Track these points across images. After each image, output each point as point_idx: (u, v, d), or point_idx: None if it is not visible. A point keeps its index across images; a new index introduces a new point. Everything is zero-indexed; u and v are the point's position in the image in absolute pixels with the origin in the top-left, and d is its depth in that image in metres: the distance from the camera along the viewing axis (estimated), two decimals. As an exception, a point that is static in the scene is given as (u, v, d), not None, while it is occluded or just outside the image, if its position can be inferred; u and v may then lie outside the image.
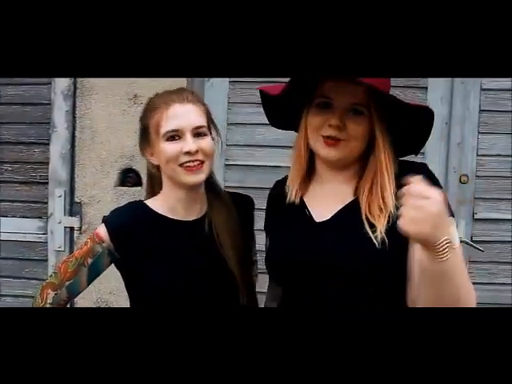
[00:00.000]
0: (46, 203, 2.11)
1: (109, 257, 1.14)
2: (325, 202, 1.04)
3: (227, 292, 1.14)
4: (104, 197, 2.03)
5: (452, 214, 0.96)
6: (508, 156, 1.91)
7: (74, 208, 2.08)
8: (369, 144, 0.99)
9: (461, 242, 1.90)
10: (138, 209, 1.18)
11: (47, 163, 2.10)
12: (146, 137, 1.15)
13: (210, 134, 1.14)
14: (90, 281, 1.16)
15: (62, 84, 2.06)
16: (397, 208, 0.88)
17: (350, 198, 1.02)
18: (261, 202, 1.99)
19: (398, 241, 0.89)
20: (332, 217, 1.02)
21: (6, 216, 2.14)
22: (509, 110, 1.90)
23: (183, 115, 1.09)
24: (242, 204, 1.22)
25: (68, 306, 1.22)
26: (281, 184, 1.17)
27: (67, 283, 1.14)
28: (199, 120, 1.10)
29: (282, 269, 1.06)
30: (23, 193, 2.14)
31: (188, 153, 1.07)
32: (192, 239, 1.14)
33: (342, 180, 1.03)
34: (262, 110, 1.98)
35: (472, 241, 1.91)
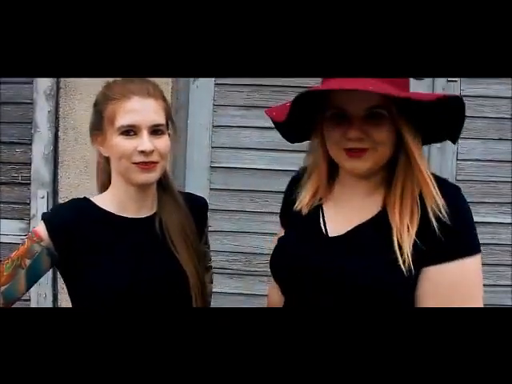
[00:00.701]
0: (29, 204, 2.09)
1: (48, 257, 1.05)
2: (345, 213, 0.94)
3: (178, 292, 1.08)
4: (88, 198, 2.02)
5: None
6: (486, 161, 1.97)
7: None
8: (397, 147, 0.89)
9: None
10: (81, 205, 1.11)
11: (29, 164, 2.08)
12: (98, 125, 1.08)
13: (168, 131, 1.08)
14: (29, 285, 1.07)
15: (44, 84, 2.04)
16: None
17: (375, 210, 0.91)
18: (246, 205, 2.03)
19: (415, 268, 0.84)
20: (348, 232, 0.92)
21: (-12, 217, 2.13)
22: (487, 116, 1.95)
23: (142, 110, 1.02)
24: (194, 205, 1.17)
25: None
26: (295, 182, 1.08)
27: (2, 288, 1.03)
28: (158, 117, 1.04)
29: (280, 276, 1.01)
30: (4, 194, 2.12)
31: (143, 152, 1.01)
32: (141, 237, 1.09)
33: (367, 190, 0.93)
34: (247, 112, 2.03)
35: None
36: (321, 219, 0.97)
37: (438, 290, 0.85)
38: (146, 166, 1.02)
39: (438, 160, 1.96)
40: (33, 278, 1.07)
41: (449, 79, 1.94)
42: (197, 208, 1.18)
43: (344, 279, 0.88)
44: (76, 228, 1.06)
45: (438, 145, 1.95)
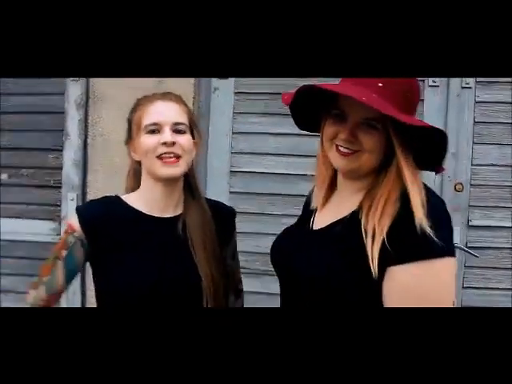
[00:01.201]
0: (60, 206, 2.22)
1: (82, 248, 1.12)
2: (331, 210, 1.04)
3: (194, 294, 1.12)
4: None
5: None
6: (501, 166, 1.98)
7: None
8: (387, 158, 0.95)
9: (456, 248, 2.00)
10: (111, 201, 1.18)
11: (61, 169, 2.21)
12: (129, 133, 1.18)
13: (192, 134, 1.15)
14: (67, 276, 1.13)
15: (74, 94, 2.17)
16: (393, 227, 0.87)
17: (352, 209, 0.97)
18: (264, 208, 2.10)
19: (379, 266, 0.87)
20: (326, 226, 1.00)
21: (23, 218, 2.26)
22: (502, 122, 1.97)
23: (164, 111, 1.12)
24: (222, 213, 1.22)
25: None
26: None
27: (44, 279, 1.12)
28: (179, 117, 1.13)
29: (273, 266, 1.10)
30: (38, 196, 2.25)
31: (165, 143, 1.08)
32: (165, 236, 1.14)
33: (352, 190, 1.00)
34: (265, 119, 2.10)
35: (467, 247, 1.99)
36: (312, 215, 1.07)
37: (403, 290, 0.86)
38: (170, 158, 1.09)
39: (452, 165, 1.99)
40: (70, 269, 1.12)
41: (463, 86, 1.97)
42: (222, 216, 1.22)
43: (303, 269, 0.96)
44: (104, 222, 1.12)
45: (453, 149, 1.98)
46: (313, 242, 1.01)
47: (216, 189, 2.11)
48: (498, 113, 1.97)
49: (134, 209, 1.16)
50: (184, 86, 2.06)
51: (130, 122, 1.18)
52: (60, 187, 2.22)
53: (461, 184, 2.00)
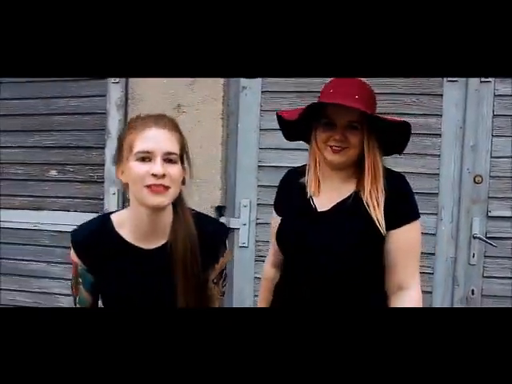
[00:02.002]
0: (102, 199, 2.40)
1: (89, 273, 1.21)
2: (326, 195, 1.30)
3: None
4: (151, 194, 2.30)
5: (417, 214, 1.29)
6: (520, 158, 2.02)
7: (126, 204, 2.36)
8: (364, 150, 1.26)
9: (475, 238, 2.10)
10: (100, 227, 1.20)
11: (103, 165, 2.39)
12: (119, 153, 1.16)
13: (182, 163, 1.15)
14: (92, 296, 1.24)
15: (115, 95, 2.35)
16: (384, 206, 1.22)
17: (350, 191, 1.27)
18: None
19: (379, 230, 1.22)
20: (331, 208, 1.27)
21: (69, 211, 2.46)
22: (521, 115, 2.01)
23: (157, 139, 1.09)
24: (209, 233, 1.20)
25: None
26: (293, 173, 1.42)
27: (77, 299, 1.25)
28: (172, 146, 1.11)
29: (285, 247, 1.32)
30: (83, 191, 2.45)
31: (154, 175, 1.07)
32: (148, 266, 1.17)
33: (341, 178, 1.29)
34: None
35: (486, 237, 2.05)
36: (310, 200, 1.32)
37: (405, 245, 1.24)
38: (157, 188, 1.07)
39: (471, 157, 2.05)
40: (91, 290, 1.24)
41: (482, 80, 2.02)
42: (210, 235, 1.20)
43: (331, 243, 1.24)
44: (92, 249, 1.19)
45: (472, 143, 2.04)
46: (326, 219, 1.27)
47: (245, 182, 2.25)
48: (517, 106, 2.01)
49: (120, 238, 1.18)
50: (214, 85, 2.21)
51: (120, 142, 1.16)
52: (102, 182, 2.40)
53: (480, 176, 2.05)
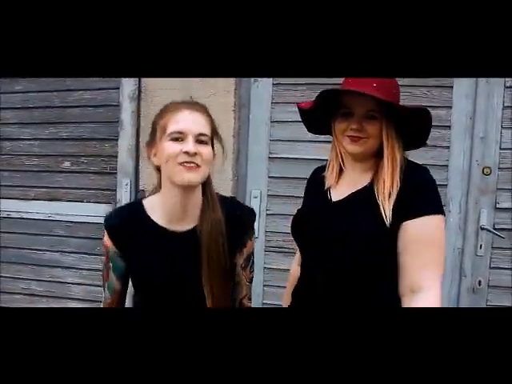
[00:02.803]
0: (115, 190, 2.45)
1: (119, 257, 1.25)
2: (344, 186, 1.29)
3: (196, 304, 1.20)
4: (164, 185, 2.34)
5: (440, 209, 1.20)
6: (529, 149, 2.03)
7: (138, 195, 2.40)
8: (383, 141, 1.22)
9: (483, 229, 2.11)
10: (133, 211, 1.26)
11: (116, 156, 2.43)
12: (153, 137, 1.22)
13: (212, 145, 1.20)
14: (121, 281, 1.28)
15: (128, 88, 2.39)
16: (397, 196, 1.16)
17: (365, 183, 1.25)
18: (300, 191, 2.23)
19: (394, 224, 1.16)
20: (345, 197, 1.27)
21: (83, 201, 2.51)
22: (531, 107, 2.02)
23: (189, 120, 1.16)
24: (237, 217, 1.25)
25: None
26: (318, 170, 1.43)
27: (106, 284, 1.30)
28: (203, 128, 1.17)
29: (298, 238, 1.33)
30: (96, 182, 2.49)
31: (187, 153, 1.12)
32: (179, 250, 1.21)
33: (360, 169, 1.27)
34: (301, 109, 2.23)
35: (494, 229, 2.07)
36: (327, 191, 1.32)
37: (416, 237, 1.15)
38: (189, 166, 1.13)
39: (480, 149, 2.06)
40: (120, 275, 1.28)
41: (492, 73, 2.04)
42: (238, 219, 1.25)
43: (338, 230, 1.21)
44: (128, 232, 1.24)
45: (481, 134, 2.06)
46: (339, 209, 1.25)
47: (256, 173, 2.28)
48: (527, 98, 2.02)
49: (152, 221, 1.23)
50: (226, 78, 2.23)
51: (154, 125, 1.22)
52: (115, 173, 2.44)
53: (489, 168, 2.06)
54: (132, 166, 2.41)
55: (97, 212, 2.47)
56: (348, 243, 1.19)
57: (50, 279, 2.60)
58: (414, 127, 1.21)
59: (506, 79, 2.05)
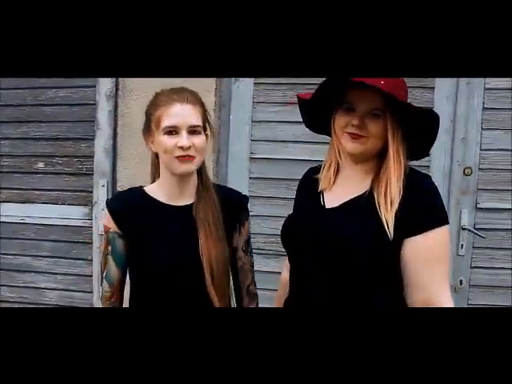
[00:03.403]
0: (91, 192, 2.37)
1: (121, 239, 1.28)
2: (340, 191, 1.20)
3: (196, 274, 1.22)
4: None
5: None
6: (508, 150, 2.05)
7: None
8: (386, 144, 1.13)
9: (464, 229, 2.11)
10: (134, 193, 1.33)
11: (92, 157, 2.36)
12: (148, 127, 1.28)
13: (205, 132, 1.27)
14: (119, 268, 1.29)
15: (105, 86, 2.31)
16: (400, 205, 1.08)
17: (363, 190, 1.15)
18: (281, 192, 2.22)
19: (396, 235, 1.08)
20: (341, 204, 1.17)
21: (57, 203, 2.42)
22: (510, 108, 2.04)
23: (181, 114, 1.22)
24: (232, 201, 1.33)
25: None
26: (310, 170, 1.35)
27: (104, 274, 1.31)
28: (195, 120, 1.23)
29: (286, 241, 1.25)
30: (71, 183, 2.41)
31: (181, 147, 1.20)
32: (180, 222, 1.27)
33: (359, 173, 1.18)
34: (283, 108, 2.22)
35: (475, 228, 2.09)
36: (320, 196, 1.23)
37: (427, 254, 1.08)
38: (185, 158, 1.21)
39: (461, 150, 2.08)
40: (119, 260, 1.29)
41: (472, 74, 2.05)
42: (232, 203, 1.32)
43: (335, 241, 1.12)
44: (129, 212, 1.28)
45: (462, 135, 2.07)
46: (333, 217, 1.17)
47: (237, 174, 2.24)
48: (506, 99, 2.04)
49: (154, 199, 1.30)
50: (207, 78, 2.19)
51: (148, 116, 1.27)
52: (92, 174, 2.36)
53: (470, 168, 2.08)
54: (109, 167, 2.34)
55: (72, 214, 2.40)
56: (343, 255, 1.11)
57: (23, 284, 2.50)
58: (421, 131, 1.12)
59: (486, 80, 2.07)
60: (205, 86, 2.20)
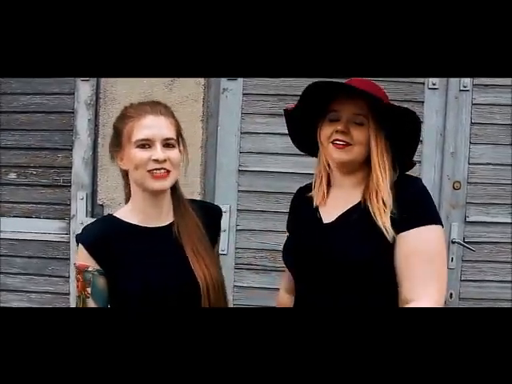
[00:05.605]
0: (69, 205, 2.24)
1: (101, 275, 1.16)
2: (334, 204, 1.22)
3: (193, 295, 1.17)
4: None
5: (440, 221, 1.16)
6: (497, 164, 2.09)
7: (95, 210, 2.22)
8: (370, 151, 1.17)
9: (454, 242, 2.12)
10: (107, 222, 1.24)
11: (70, 168, 2.24)
12: (118, 142, 1.19)
13: (178, 146, 1.20)
14: (103, 305, 1.18)
15: (84, 94, 2.20)
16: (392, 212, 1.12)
17: (356, 200, 1.18)
18: (271, 206, 2.17)
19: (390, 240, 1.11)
20: (337, 218, 1.19)
21: (32, 217, 2.28)
22: (498, 123, 2.08)
23: (155, 126, 1.15)
24: (209, 214, 1.28)
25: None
26: (302, 189, 1.35)
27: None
28: (169, 132, 1.17)
29: (293, 265, 1.25)
30: (47, 195, 2.27)
31: (156, 160, 1.13)
32: (162, 244, 1.19)
33: (350, 185, 1.21)
34: (272, 120, 2.17)
35: (464, 242, 2.10)
36: (316, 212, 1.24)
37: (409, 251, 1.11)
38: (159, 174, 1.14)
39: (451, 163, 2.09)
40: (102, 301, 1.18)
41: (461, 88, 2.07)
42: (210, 216, 1.28)
43: (337, 256, 1.14)
44: (106, 242, 1.17)
45: (452, 149, 2.09)
46: (331, 233, 1.18)
47: (225, 187, 2.17)
48: (493, 114, 2.07)
49: (128, 223, 1.20)
50: (194, 86, 2.12)
51: (118, 130, 1.19)
52: (69, 186, 2.24)
53: (459, 182, 2.10)
54: (88, 179, 2.22)
55: (48, 229, 2.27)
56: (347, 267, 1.13)
57: (-8, 303, 2.34)
58: (404, 134, 1.16)
59: (473, 96, 2.09)
60: (192, 96, 2.14)
